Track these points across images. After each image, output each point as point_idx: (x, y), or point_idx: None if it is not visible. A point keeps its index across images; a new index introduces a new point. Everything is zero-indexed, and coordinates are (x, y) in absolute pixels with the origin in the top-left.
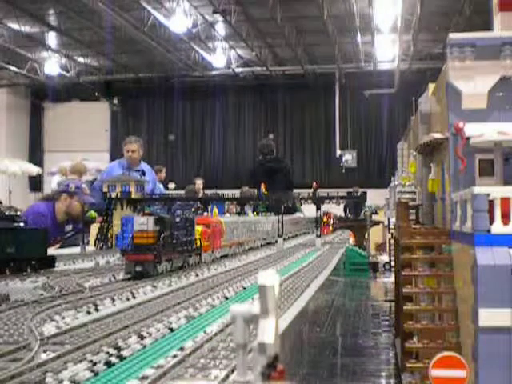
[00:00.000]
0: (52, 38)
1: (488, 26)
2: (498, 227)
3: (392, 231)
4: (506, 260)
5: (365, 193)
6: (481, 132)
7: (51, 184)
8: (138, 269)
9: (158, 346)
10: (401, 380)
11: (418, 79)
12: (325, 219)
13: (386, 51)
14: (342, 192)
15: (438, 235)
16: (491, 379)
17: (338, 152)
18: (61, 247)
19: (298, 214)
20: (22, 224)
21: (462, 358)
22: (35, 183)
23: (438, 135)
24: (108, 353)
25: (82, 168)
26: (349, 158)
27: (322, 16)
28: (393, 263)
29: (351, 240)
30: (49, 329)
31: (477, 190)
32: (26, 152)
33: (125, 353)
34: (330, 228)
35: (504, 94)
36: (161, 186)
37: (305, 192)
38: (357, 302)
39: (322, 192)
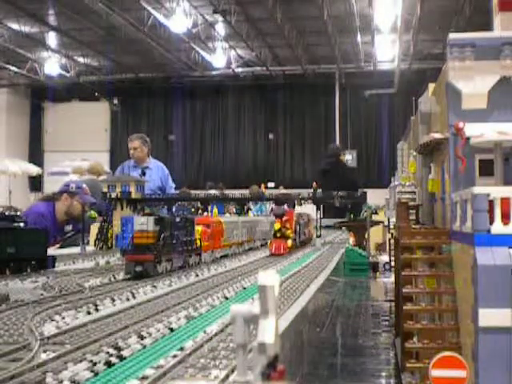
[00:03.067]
0: (52, 38)
1: (488, 26)
2: (498, 227)
3: (392, 231)
4: (506, 260)
5: (365, 193)
6: (481, 132)
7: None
8: (138, 269)
9: (157, 346)
10: (401, 380)
11: (418, 79)
12: (277, 225)
13: (386, 51)
14: (342, 192)
15: (438, 235)
16: (491, 379)
17: None
18: (61, 247)
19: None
20: (22, 224)
21: (461, 358)
22: (35, 183)
23: (438, 135)
24: (108, 353)
25: (101, 169)
26: (349, 158)
27: (322, 16)
28: (393, 263)
29: (351, 240)
30: (49, 329)
31: (477, 190)
32: (26, 152)
33: (125, 353)
34: (289, 244)
35: (504, 93)
36: (173, 185)
37: (305, 192)
38: (357, 302)
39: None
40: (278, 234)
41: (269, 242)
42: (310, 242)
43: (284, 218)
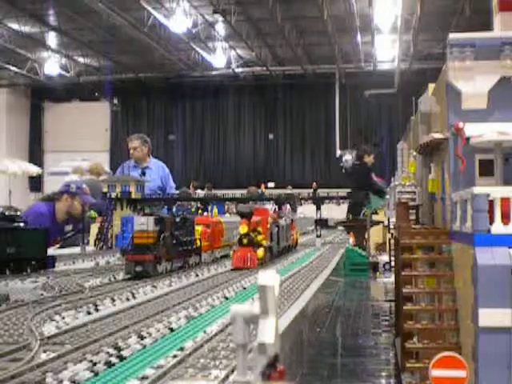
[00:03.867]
0: (52, 38)
1: (488, 26)
2: (498, 227)
3: (392, 231)
4: (506, 260)
5: (366, 193)
6: (481, 132)
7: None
8: (138, 269)
9: (157, 346)
10: (401, 380)
11: (418, 79)
12: (243, 228)
13: (386, 51)
14: (342, 192)
15: (438, 235)
16: (491, 379)
17: (338, 152)
18: (61, 247)
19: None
20: (22, 224)
21: (461, 358)
22: (35, 183)
23: (438, 135)
24: (108, 353)
25: (101, 169)
26: (349, 158)
27: (322, 16)
28: (393, 263)
29: (351, 240)
30: (49, 329)
31: (477, 190)
32: (26, 152)
33: (125, 353)
34: (259, 253)
35: (504, 94)
36: (173, 185)
37: (305, 192)
38: (357, 302)
39: (322, 192)
40: (245, 241)
41: (231, 251)
42: (294, 249)
43: (254, 219)
